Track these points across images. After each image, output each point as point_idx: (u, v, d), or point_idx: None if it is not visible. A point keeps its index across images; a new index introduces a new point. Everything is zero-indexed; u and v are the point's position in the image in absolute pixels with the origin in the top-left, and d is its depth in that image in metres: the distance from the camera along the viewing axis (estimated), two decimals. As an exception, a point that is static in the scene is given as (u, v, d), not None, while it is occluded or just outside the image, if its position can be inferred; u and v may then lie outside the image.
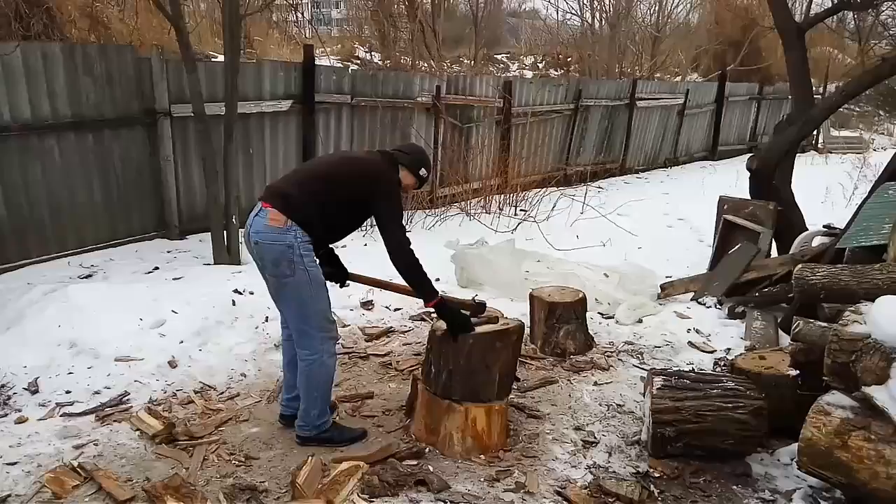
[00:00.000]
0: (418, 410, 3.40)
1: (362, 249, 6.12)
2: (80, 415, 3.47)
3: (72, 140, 5.71)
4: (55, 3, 8.38)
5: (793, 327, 3.28)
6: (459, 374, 3.19)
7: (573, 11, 19.80)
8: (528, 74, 18.37)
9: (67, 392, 3.66)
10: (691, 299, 5.50)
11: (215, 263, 5.73)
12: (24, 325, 4.10)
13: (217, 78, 6.30)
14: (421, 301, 3.19)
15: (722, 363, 4.40)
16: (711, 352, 4.62)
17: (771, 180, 6.26)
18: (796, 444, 2.84)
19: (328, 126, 7.56)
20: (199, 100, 5.61)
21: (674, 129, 13.53)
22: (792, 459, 3.09)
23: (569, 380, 4.16)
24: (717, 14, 19.50)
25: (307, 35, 16.13)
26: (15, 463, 3.04)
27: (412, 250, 3.08)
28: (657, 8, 18.92)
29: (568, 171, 10.69)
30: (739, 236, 5.94)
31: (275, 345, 4.29)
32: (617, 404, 3.87)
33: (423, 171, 3.30)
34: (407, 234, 3.11)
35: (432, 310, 3.18)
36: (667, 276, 5.95)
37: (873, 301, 2.80)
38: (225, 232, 5.84)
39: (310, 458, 2.93)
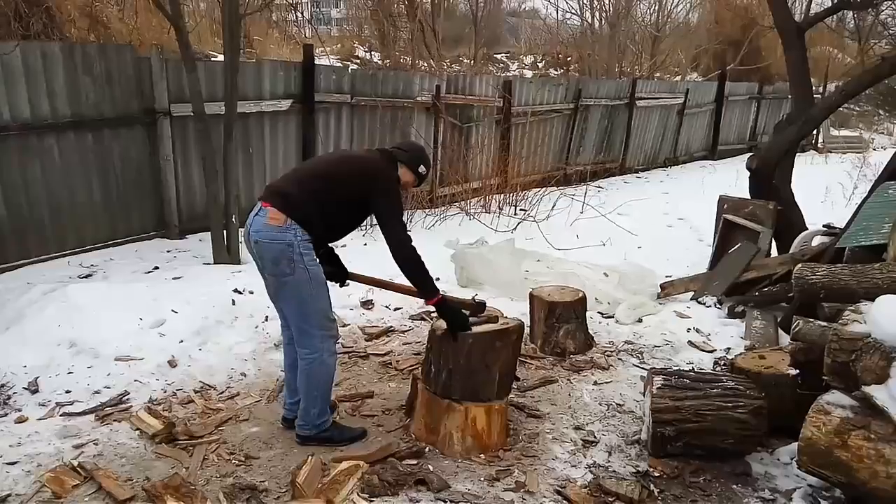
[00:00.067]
0: (418, 410, 3.40)
1: (362, 249, 6.12)
2: (79, 414, 3.47)
3: (71, 139, 5.71)
4: (55, 3, 8.37)
5: (793, 327, 3.29)
6: (459, 374, 3.19)
7: (573, 11, 19.79)
8: (528, 74, 18.37)
9: (67, 391, 3.66)
10: (691, 299, 5.50)
11: (215, 263, 5.73)
12: (24, 324, 4.10)
13: (217, 77, 6.30)
14: (421, 301, 3.19)
15: (722, 362, 4.40)
16: (711, 351, 4.62)
17: (771, 180, 6.26)
18: (796, 443, 2.84)
19: (328, 125, 7.56)
20: (198, 99, 5.60)
21: (674, 128, 13.53)
22: (792, 459, 3.09)
23: (569, 379, 4.16)
24: (717, 13, 19.48)
25: (307, 34, 16.11)
26: (15, 462, 3.04)
27: (414, 247, 3.08)
28: (657, 7, 18.91)
29: (568, 171, 10.69)
30: (739, 236, 5.94)
31: (274, 344, 4.29)
32: (617, 404, 3.87)
33: (421, 169, 3.30)
34: (408, 232, 3.11)
35: (433, 308, 3.18)
36: (667, 276, 5.95)
37: (873, 300, 2.80)
38: (225, 231, 5.84)
39: (310, 457, 2.93)
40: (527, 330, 4.26)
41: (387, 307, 5.18)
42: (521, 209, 8.40)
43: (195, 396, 3.74)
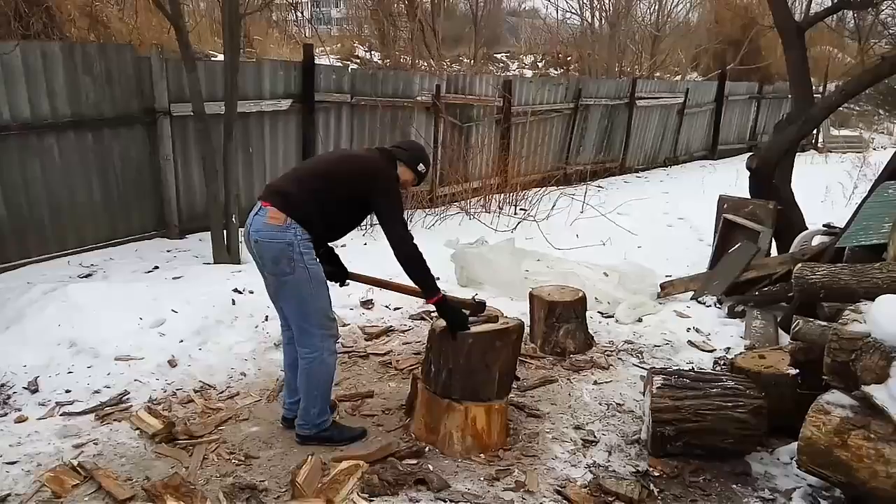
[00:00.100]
0: (418, 409, 3.40)
1: (362, 249, 6.13)
2: (79, 414, 3.47)
3: (71, 139, 5.71)
4: (54, 3, 8.37)
5: (792, 326, 3.29)
6: (459, 373, 3.19)
7: (573, 10, 19.78)
8: (528, 73, 18.37)
9: (67, 391, 3.66)
10: (691, 298, 5.50)
11: (215, 263, 5.73)
12: (24, 324, 4.10)
13: (217, 77, 6.30)
14: (421, 301, 3.19)
15: (722, 362, 4.40)
16: (711, 351, 4.62)
17: (771, 179, 6.25)
18: (796, 442, 2.84)
19: (328, 125, 7.56)
20: (198, 99, 5.60)
21: (673, 128, 13.53)
22: (791, 458, 3.09)
23: (568, 379, 4.16)
24: (717, 13, 19.47)
25: (307, 34, 16.11)
26: (15, 462, 3.04)
27: (416, 245, 3.08)
28: (657, 7, 18.90)
29: (568, 171, 10.69)
30: (739, 235, 5.94)
31: (274, 344, 4.29)
32: (617, 403, 3.87)
33: (421, 167, 3.30)
34: (409, 230, 3.11)
35: (433, 308, 3.18)
36: (666, 275, 5.95)
37: (873, 300, 2.80)
38: (225, 231, 5.84)
39: (309, 457, 2.93)
40: (527, 329, 4.26)
41: (387, 307, 5.17)
42: (521, 209, 8.40)
43: (195, 396, 3.74)
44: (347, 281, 3.48)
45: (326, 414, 3.30)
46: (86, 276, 5.38)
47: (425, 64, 14.90)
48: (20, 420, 3.40)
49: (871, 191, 5.00)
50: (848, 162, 12.17)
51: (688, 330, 4.93)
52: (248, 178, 6.90)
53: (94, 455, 3.14)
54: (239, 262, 5.74)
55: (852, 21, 14.50)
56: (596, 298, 5.24)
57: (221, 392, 3.82)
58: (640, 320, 5.13)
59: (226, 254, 5.78)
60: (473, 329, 3.20)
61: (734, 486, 3.11)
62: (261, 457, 3.20)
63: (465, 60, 17.84)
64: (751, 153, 6.86)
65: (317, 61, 7.38)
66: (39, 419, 3.42)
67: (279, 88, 6.99)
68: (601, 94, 11.34)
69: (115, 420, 3.44)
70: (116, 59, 5.90)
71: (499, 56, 21.18)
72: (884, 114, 20.49)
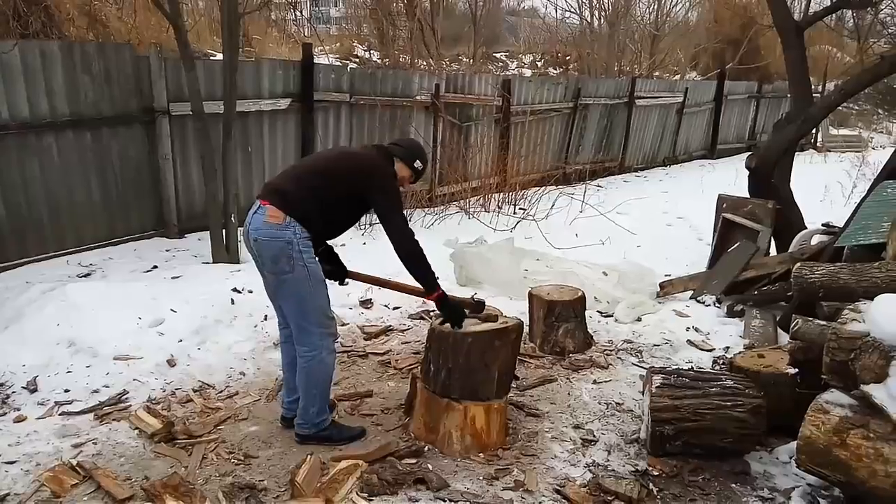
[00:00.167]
0: (417, 409, 3.40)
1: (361, 248, 6.13)
2: (78, 413, 3.47)
3: (70, 138, 5.70)
4: (53, 2, 8.36)
5: (791, 325, 3.28)
6: (458, 373, 3.19)
7: (572, 10, 19.77)
8: (527, 73, 18.37)
9: (66, 391, 3.66)
10: (690, 298, 5.50)
11: (214, 262, 5.72)
12: (23, 323, 4.10)
13: (216, 76, 6.30)
14: (420, 300, 3.19)
15: (721, 361, 4.40)
16: (710, 350, 4.63)
17: (770, 179, 6.26)
18: (795, 442, 2.84)
19: (327, 124, 7.56)
20: (197, 98, 5.60)
21: (673, 127, 13.53)
22: (790, 457, 3.09)
23: (568, 378, 4.16)
24: (716, 12, 19.48)
25: (306, 33, 16.11)
26: (14, 462, 3.04)
27: (416, 241, 3.09)
28: (656, 6, 18.92)
29: (567, 170, 10.69)
30: (738, 234, 5.94)
31: (273, 343, 4.28)
32: (616, 402, 3.87)
33: (417, 164, 3.31)
34: (409, 225, 3.12)
35: (432, 307, 3.18)
36: (666, 275, 5.96)
37: (872, 299, 2.80)
38: (224, 230, 5.83)
39: (309, 456, 2.93)
40: (526, 329, 4.26)
41: (386, 306, 5.17)
42: (520, 208, 8.40)
43: (194, 395, 3.73)
44: (346, 280, 3.48)
45: (325, 413, 3.30)
46: (84, 276, 5.38)
47: (424, 63, 14.90)
48: (19, 419, 3.40)
49: (870, 190, 5.00)
50: (847, 161, 12.19)
51: (687, 329, 4.93)
52: (247, 177, 6.89)
53: (93, 455, 3.14)
54: (238, 262, 5.73)
55: (851, 20, 14.50)
56: (595, 298, 5.24)
57: (220, 391, 3.81)
58: (639, 319, 5.13)
59: (225, 253, 5.77)
60: (472, 328, 3.20)
61: (733, 485, 3.11)
62: (260, 456, 3.19)
63: (465, 60, 17.85)
64: (750, 152, 6.86)
65: (316, 60, 7.37)
66: (38, 419, 3.42)
67: (278, 88, 6.98)
68: (600, 93, 11.34)
69: (114, 420, 3.44)
70: (115, 58, 5.89)
71: (498, 55, 21.18)
72: (883, 113, 20.49)
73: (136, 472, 3.01)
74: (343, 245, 5.51)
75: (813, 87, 7.27)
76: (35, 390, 3.63)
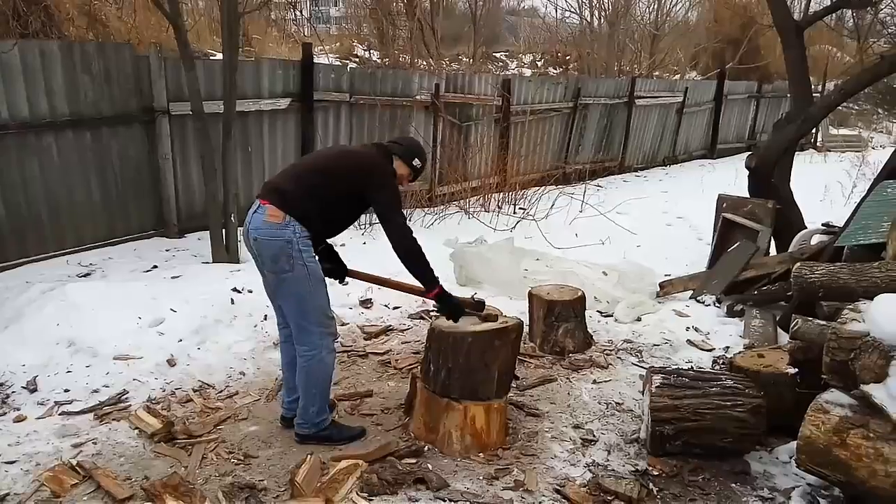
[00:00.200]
0: (417, 409, 3.40)
1: (361, 248, 6.12)
2: (78, 413, 3.47)
3: (70, 138, 5.70)
4: (53, 2, 8.36)
5: (791, 325, 3.29)
6: (458, 373, 3.18)
7: (572, 9, 19.77)
8: (527, 73, 18.37)
9: (66, 390, 3.65)
10: (690, 297, 5.50)
11: (214, 262, 5.72)
12: (23, 323, 4.10)
13: (215, 76, 6.29)
14: (420, 299, 3.19)
15: (721, 361, 4.40)
16: (710, 350, 4.63)
17: (770, 178, 6.26)
18: (795, 442, 2.84)
19: (327, 124, 7.56)
20: (197, 98, 5.60)
21: (673, 127, 13.53)
22: (790, 457, 3.09)
23: (568, 378, 4.16)
24: (716, 12, 19.48)
25: (306, 33, 16.11)
26: (13, 461, 3.04)
27: (415, 238, 3.09)
28: (656, 6, 18.92)
29: (567, 170, 10.68)
30: (738, 234, 5.94)
31: (273, 343, 4.28)
32: (616, 402, 3.87)
33: (416, 162, 3.31)
34: (408, 223, 3.12)
35: (432, 305, 3.18)
36: (665, 275, 5.96)
37: (872, 299, 2.80)
38: (224, 230, 5.83)
39: (309, 456, 2.93)
40: (526, 329, 4.26)
41: (386, 306, 5.17)
42: (520, 208, 8.40)
43: (194, 395, 3.73)
44: (346, 279, 3.49)
45: (325, 413, 3.30)
46: (84, 276, 5.38)
47: (424, 63, 14.89)
48: (19, 419, 3.40)
49: (869, 190, 4.99)
50: (847, 161, 12.18)
51: (687, 329, 4.93)
52: (246, 177, 6.89)
53: (93, 454, 3.14)
54: (238, 262, 5.73)
55: (851, 20, 14.49)
56: (595, 297, 5.24)
57: (220, 391, 3.81)
58: (639, 319, 5.13)
59: (224, 253, 5.77)
60: (472, 328, 3.20)
61: (733, 485, 3.11)
62: (260, 456, 3.19)
63: (464, 59, 17.84)
64: (750, 152, 6.86)
65: (316, 60, 7.37)
66: (38, 418, 3.42)
67: (278, 87, 6.98)
68: (600, 93, 11.34)
69: (113, 419, 3.44)
70: (115, 57, 5.89)
71: (498, 55, 21.18)
72: (883, 113, 20.48)
73: (136, 472, 3.01)
74: (343, 245, 5.51)
75: (813, 86, 7.27)
76: (35, 390, 3.63)
